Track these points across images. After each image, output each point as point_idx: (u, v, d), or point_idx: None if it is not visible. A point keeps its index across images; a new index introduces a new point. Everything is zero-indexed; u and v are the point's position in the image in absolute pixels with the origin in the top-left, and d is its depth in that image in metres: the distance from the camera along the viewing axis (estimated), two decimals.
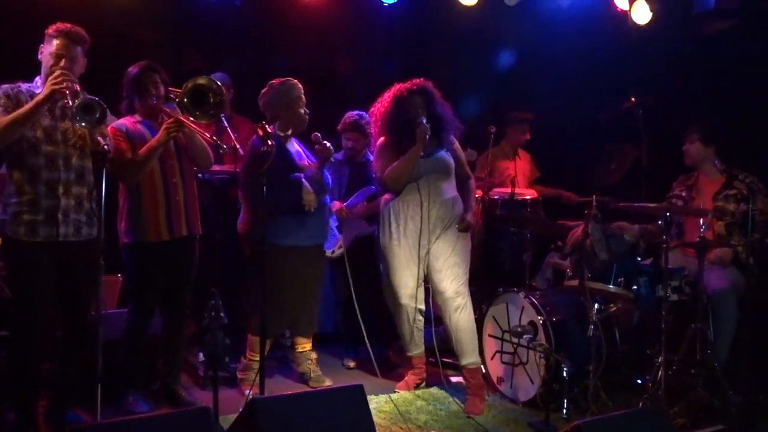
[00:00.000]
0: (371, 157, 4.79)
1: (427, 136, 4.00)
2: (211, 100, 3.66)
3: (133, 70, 3.78)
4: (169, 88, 3.81)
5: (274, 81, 4.15)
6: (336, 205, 4.65)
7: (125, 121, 3.77)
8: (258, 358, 4.11)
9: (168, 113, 3.70)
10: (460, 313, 4.07)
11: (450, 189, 4.17)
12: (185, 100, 3.63)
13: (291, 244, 4.04)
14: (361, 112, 4.70)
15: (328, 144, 4.11)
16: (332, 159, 4.24)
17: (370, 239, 4.69)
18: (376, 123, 4.23)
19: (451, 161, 4.19)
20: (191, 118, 3.68)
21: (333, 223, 4.68)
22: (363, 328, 4.51)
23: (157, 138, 3.67)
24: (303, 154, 4.23)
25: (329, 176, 4.61)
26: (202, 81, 3.67)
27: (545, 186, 5.83)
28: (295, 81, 4.16)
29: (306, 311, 4.24)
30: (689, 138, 4.57)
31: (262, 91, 4.16)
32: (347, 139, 4.74)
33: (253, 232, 4.02)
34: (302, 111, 4.13)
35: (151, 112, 3.79)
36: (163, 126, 3.68)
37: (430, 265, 4.11)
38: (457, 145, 4.27)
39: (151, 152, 3.67)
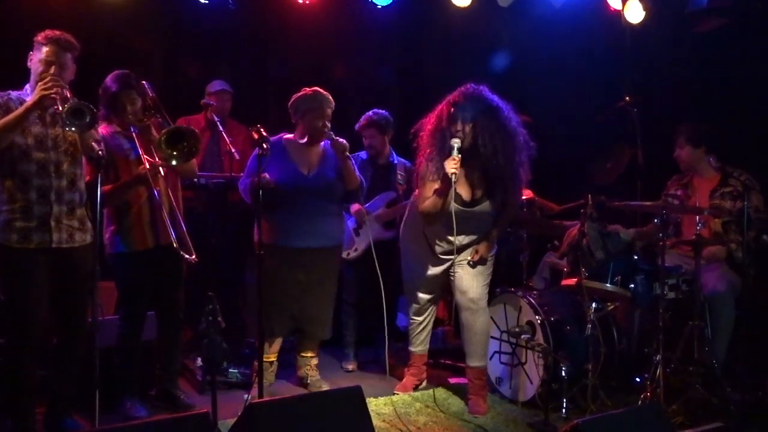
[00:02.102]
0: (395, 160, 4.81)
1: (455, 172, 3.65)
2: (185, 144, 3.57)
3: (111, 87, 3.72)
4: (149, 98, 3.76)
5: (307, 88, 4.15)
6: (355, 206, 4.65)
7: (103, 131, 3.72)
8: (270, 359, 4.21)
9: (145, 161, 3.63)
10: (479, 315, 4.06)
11: (484, 231, 4.03)
12: (163, 147, 3.54)
13: (290, 245, 4.03)
14: (377, 110, 4.72)
15: (341, 139, 4.07)
16: (349, 155, 4.11)
17: (386, 244, 4.69)
18: (423, 136, 3.97)
19: (495, 210, 3.95)
20: (174, 162, 3.60)
21: (350, 225, 4.68)
22: (386, 329, 4.50)
23: (126, 182, 3.67)
24: (328, 157, 4.20)
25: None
26: (179, 127, 3.66)
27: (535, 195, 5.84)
28: (321, 93, 4.11)
29: (312, 315, 4.21)
30: (678, 143, 4.59)
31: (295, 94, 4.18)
32: (365, 137, 4.75)
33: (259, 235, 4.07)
34: (318, 123, 4.07)
35: (127, 125, 3.75)
36: (135, 174, 3.65)
37: (456, 263, 4.07)
38: (518, 183, 3.89)
39: (123, 190, 3.68)
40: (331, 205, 4.21)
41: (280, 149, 4.12)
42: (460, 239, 3.94)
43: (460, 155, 3.71)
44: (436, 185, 3.85)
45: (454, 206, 3.80)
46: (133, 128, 3.72)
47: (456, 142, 3.73)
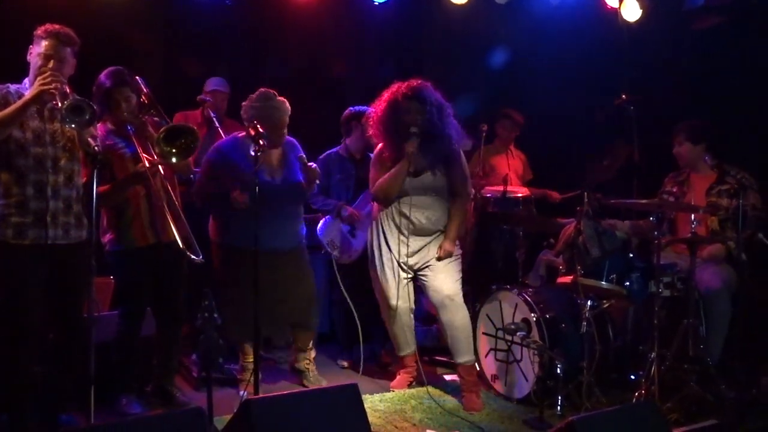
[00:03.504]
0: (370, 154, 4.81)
1: (413, 151, 3.96)
2: (183, 141, 3.54)
3: (105, 83, 3.69)
4: (144, 95, 3.75)
5: (264, 90, 4.05)
6: (348, 210, 4.64)
7: (98, 134, 3.68)
8: (249, 360, 4.12)
9: (144, 159, 3.61)
10: (457, 311, 4.09)
11: (439, 207, 4.14)
12: (162, 145, 3.51)
13: (252, 247, 3.81)
14: (353, 108, 4.71)
15: (313, 165, 4.10)
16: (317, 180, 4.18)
17: None
18: (373, 126, 4.17)
19: (441, 181, 4.12)
20: (173, 160, 3.57)
21: (345, 229, 4.68)
22: (359, 327, 4.53)
23: (124, 180, 3.66)
24: (289, 158, 4.13)
25: (336, 176, 4.60)
26: (178, 124, 3.65)
27: (536, 188, 5.85)
28: (276, 101, 4.00)
29: (277, 317, 4.09)
30: (677, 140, 4.59)
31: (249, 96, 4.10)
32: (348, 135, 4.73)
33: (220, 236, 4.06)
34: (274, 134, 3.94)
35: (122, 123, 3.74)
36: (132, 172, 3.64)
37: (424, 265, 4.13)
38: (459, 160, 4.16)
39: (121, 189, 3.67)
40: (296, 209, 4.20)
41: (241, 151, 3.94)
42: (417, 216, 4.07)
43: (418, 139, 3.98)
44: (389, 170, 4.08)
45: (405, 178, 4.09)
46: (130, 127, 3.69)
47: (414, 129, 3.98)
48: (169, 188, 3.79)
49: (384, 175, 4.10)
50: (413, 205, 4.08)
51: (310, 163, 4.09)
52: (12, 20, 4.38)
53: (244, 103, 4.05)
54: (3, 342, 3.41)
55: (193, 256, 3.59)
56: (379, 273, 4.20)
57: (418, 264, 4.14)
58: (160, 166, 3.68)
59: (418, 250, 4.12)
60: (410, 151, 3.98)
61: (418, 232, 4.11)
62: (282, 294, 4.07)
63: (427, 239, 4.12)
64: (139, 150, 3.65)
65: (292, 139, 4.19)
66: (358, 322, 4.48)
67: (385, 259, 4.17)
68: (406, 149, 3.98)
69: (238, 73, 5.42)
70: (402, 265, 4.13)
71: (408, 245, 4.11)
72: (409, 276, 4.18)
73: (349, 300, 4.50)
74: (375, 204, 4.29)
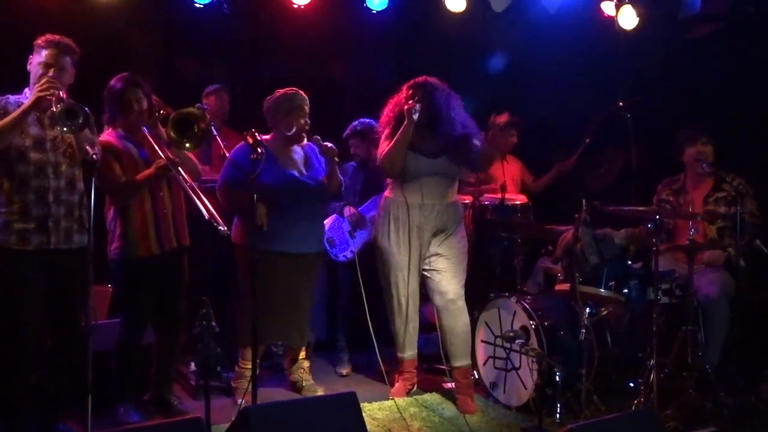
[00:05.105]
0: None
1: (416, 115, 3.96)
2: (195, 128, 3.59)
3: (116, 85, 3.72)
4: (153, 99, 3.77)
5: (280, 90, 4.13)
6: (349, 210, 4.67)
7: (111, 138, 3.72)
8: (248, 366, 4.11)
9: (160, 153, 3.62)
10: (459, 316, 4.11)
11: (451, 194, 4.21)
12: (172, 134, 3.57)
13: (280, 250, 4.01)
14: (362, 120, 4.79)
15: (329, 144, 4.09)
16: (341, 162, 4.21)
17: None
18: (385, 116, 4.23)
19: (454, 166, 4.16)
20: (184, 148, 3.64)
21: (346, 227, 4.70)
22: (372, 333, 4.52)
23: (146, 174, 3.66)
24: (311, 159, 4.19)
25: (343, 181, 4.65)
26: (183, 111, 3.64)
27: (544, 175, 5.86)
28: (300, 92, 4.11)
29: (297, 321, 4.17)
30: (701, 140, 4.48)
31: (267, 97, 4.15)
32: (351, 146, 4.86)
33: (245, 240, 4.03)
34: (302, 121, 4.07)
35: (133, 127, 3.75)
36: (155, 166, 3.65)
37: (431, 265, 4.13)
38: (471, 141, 4.14)
39: (141, 185, 3.68)
40: (322, 207, 4.25)
41: (266, 152, 4.03)
42: (431, 211, 4.08)
43: (420, 104, 4.00)
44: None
45: (421, 158, 4.08)
46: (146, 128, 3.70)
47: (414, 104, 4.00)
48: (190, 179, 3.74)
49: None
50: (431, 188, 4.08)
51: (326, 143, 4.08)
52: (12, 21, 4.38)
53: (267, 99, 4.11)
54: (2, 348, 3.40)
55: (221, 228, 3.58)
56: (389, 269, 4.19)
57: (426, 261, 4.14)
58: (178, 167, 3.66)
59: (428, 244, 4.12)
60: (412, 112, 3.94)
61: (426, 218, 4.08)
62: (286, 300, 4.08)
63: (438, 233, 4.13)
64: (157, 147, 3.65)
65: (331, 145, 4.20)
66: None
67: (396, 254, 4.15)
68: (407, 112, 3.96)
69: (235, 80, 5.43)
70: (411, 262, 4.13)
71: (430, 232, 4.11)
72: (418, 274, 4.18)
73: (366, 302, 4.52)
74: (384, 196, 4.27)
